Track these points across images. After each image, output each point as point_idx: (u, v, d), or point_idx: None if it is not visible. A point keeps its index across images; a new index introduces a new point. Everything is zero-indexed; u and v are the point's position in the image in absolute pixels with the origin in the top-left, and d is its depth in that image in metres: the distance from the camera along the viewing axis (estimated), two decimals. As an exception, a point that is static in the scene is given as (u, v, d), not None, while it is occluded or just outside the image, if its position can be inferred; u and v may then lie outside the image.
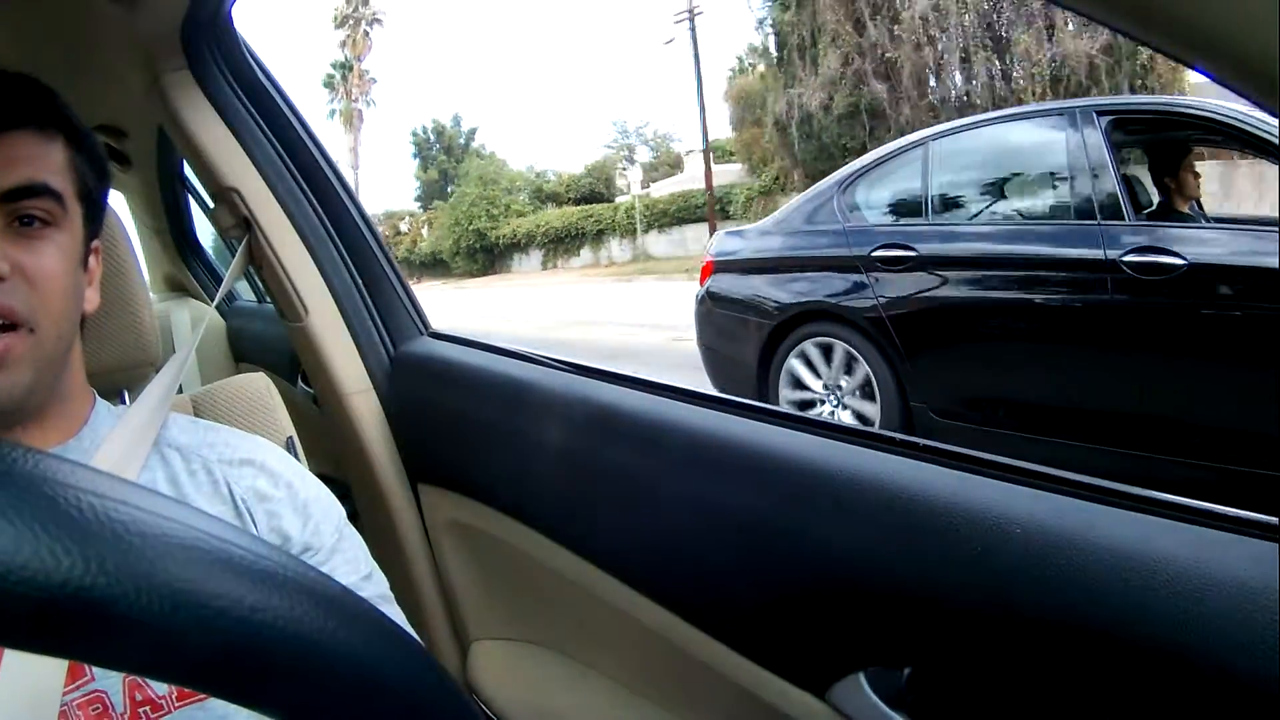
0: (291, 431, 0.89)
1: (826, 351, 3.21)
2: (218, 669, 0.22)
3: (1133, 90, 12.32)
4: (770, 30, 15.30)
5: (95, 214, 0.65)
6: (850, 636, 0.61)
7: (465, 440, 1.04)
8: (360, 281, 1.14)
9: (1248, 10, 0.29)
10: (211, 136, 1.06)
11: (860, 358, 3.09)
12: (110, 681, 0.56)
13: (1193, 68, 0.32)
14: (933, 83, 13.49)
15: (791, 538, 0.64)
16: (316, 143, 1.14)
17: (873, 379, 3.06)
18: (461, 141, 32.03)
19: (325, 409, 1.19)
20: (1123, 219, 2.60)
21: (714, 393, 0.80)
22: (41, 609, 0.18)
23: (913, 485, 0.58)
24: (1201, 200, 3.14)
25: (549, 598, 0.99)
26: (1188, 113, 2.65)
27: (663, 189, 19.57)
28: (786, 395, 3.30)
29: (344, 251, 1.13)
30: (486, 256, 23.28)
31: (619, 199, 19.87)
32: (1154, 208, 2.94)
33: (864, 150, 14.52)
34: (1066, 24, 12.35)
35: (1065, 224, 2.75)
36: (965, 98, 13.24)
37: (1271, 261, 2.31)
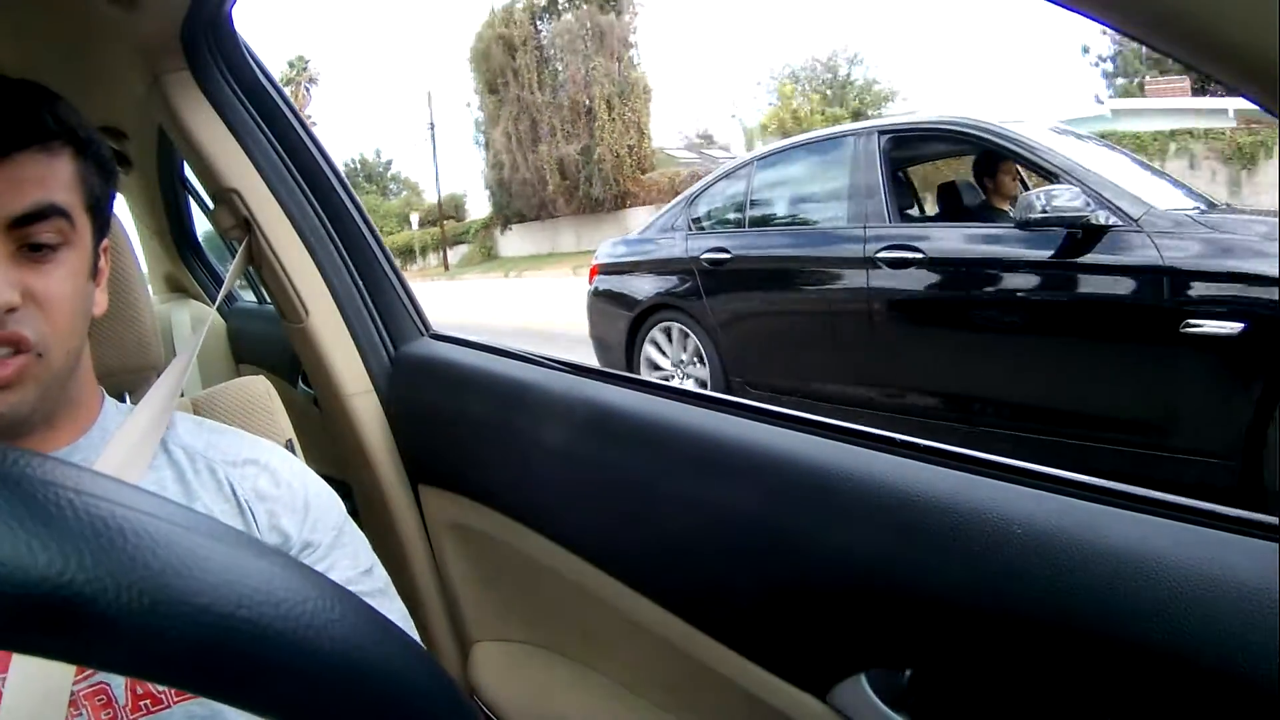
0: (291, 434, 0.89)
1: (672, 335, 4.05)
2: (203, 669, 0.21)
3: (599, 172, 21.86)
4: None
5: (103, 218, 0.65)
6: (851, 637, 0.60)
7: (466, 441, 1.04)
8: (360, 282, 1.14)
9: (1248, 10, 0.29)
10: (211, 137, 1.06)
11: (696, 340, 3.88)
12: (114, 674, 0.57)
13: (1193, 68, 0.32)
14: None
15: (791, 538, 0.64)
16: (317, 143, 1.14)
17: (704, 357, 3.83)
18: (380, 170, 39.20)
19: (326, 410, 1.19)
20: (885, 221, 3.18)
21: (714, 394, 0.80)
22: (18, 606, 0.18)
23: (913, 485, 0.58)
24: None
25: (550, 599, 0.99)
26: (964, 130, 3.14)
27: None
28: (646, 371, 4.10)
29: (344, 252, 1.13)
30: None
31: (414, 229, 31.18)
32: (976, 205, 3.46)
33: (509, 207, 27.11)
34: (577, 130, 22.89)
35: (840, 228, 3.36)
36: (525, 179, 24.21)
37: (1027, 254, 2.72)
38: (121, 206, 2.29)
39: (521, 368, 1.00)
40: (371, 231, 1.16)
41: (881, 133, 3.32)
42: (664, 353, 4.08)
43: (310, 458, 0.88)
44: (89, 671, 0.56)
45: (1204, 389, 2.28)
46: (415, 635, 0.70)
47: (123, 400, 0.76)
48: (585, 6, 22.29)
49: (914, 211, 3.80)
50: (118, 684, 0.57)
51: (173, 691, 0.58)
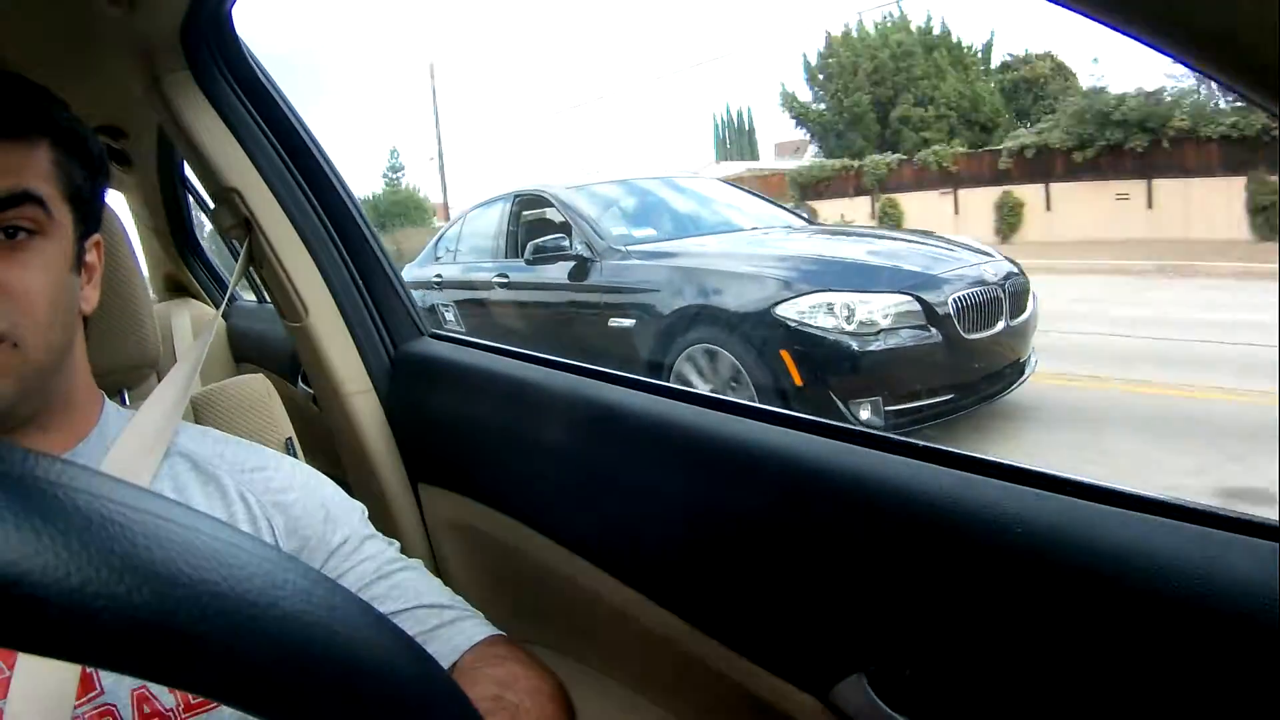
0: (290, 433, 0.89)
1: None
2: (191, 663, 0.21)
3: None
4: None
5: (89, 212, 0.64)
6: (851, 637, 0.60)
7: (466, 440, 1.04)
8: (360, 282, 1.14)
9: (1248, 11, 0.29)
10: (211, 137, 1.06)
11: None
12: (120, 694, 0.56)
13: (1193, 68, 0.32)
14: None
15: (791, 537, 0.64)
16: (316, 143, 1.14)
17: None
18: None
19: (325, 409, 1.19)
20: (505, 256, 5.15)
21: (714, 395, 0.80)
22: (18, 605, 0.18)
23: (913, 485, 0.58)
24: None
25: (550, 599, 0.99)
26: (538, 193, 5.11)
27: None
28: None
29: (344, 251, 1.13)
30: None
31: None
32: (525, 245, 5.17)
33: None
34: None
35: (485, 261, 5.31)
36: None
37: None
38: (122, 206, 2.30)
39: (521, 367, 1.00)
40: (371, 231, 1.16)
41: (515, 196, 5.23)
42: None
43: (310, 456, 0.88)
44: (93, 693, 0.55)
45: (628, 354, 3.92)
46: (464, 605, 0.68)
47: (121, 398, 0.76)
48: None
49: (509, 248, 5.66)
50: (124, 704, 0.56)
51: (180, 708, 0.57)
